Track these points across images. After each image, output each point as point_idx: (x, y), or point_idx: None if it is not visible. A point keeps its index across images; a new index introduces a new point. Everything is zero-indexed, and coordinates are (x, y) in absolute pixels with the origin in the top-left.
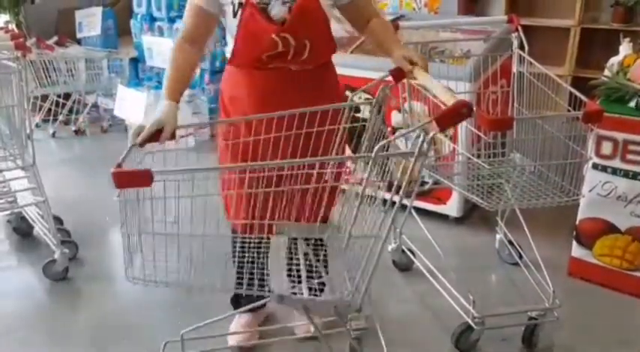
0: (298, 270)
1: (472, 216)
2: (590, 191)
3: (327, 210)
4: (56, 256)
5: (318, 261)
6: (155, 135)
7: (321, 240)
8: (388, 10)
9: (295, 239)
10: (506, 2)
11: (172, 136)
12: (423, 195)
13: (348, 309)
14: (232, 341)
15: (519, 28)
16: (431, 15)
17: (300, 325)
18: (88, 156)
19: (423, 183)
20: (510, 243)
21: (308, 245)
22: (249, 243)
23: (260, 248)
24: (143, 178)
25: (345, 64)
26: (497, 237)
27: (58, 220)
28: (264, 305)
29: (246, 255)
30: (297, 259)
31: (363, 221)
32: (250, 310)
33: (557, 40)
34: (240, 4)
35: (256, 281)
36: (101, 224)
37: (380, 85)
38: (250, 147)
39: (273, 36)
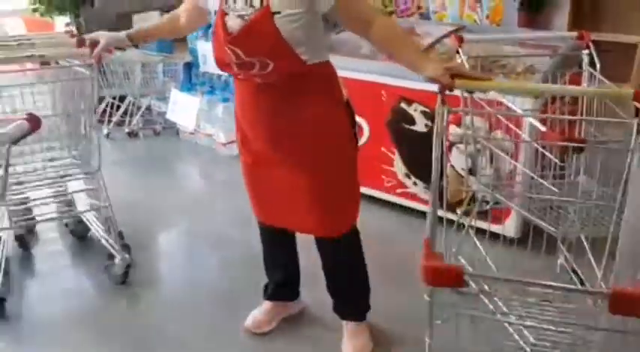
0: None
1: (530, 237)
2: None
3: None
4: (116, 261)
5: None
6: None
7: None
8: (447, 20)
9: None
10: (570, 15)
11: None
12: (481, 214)
13: None
14: (247, 322)
15: (591, 44)
16: (493, 27)
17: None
18: (140, 158)
19: (485, 203)
20: (573, 271)
21: None
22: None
23: (275, 239)
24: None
25: (399, 75)
26: (559, 261)
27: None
28: (289, 299)
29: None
30: None
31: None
32: (275, 299)
33: (623, 56)
34: (215, 11)
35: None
36: (152, 226)
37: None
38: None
39: (225, 47)
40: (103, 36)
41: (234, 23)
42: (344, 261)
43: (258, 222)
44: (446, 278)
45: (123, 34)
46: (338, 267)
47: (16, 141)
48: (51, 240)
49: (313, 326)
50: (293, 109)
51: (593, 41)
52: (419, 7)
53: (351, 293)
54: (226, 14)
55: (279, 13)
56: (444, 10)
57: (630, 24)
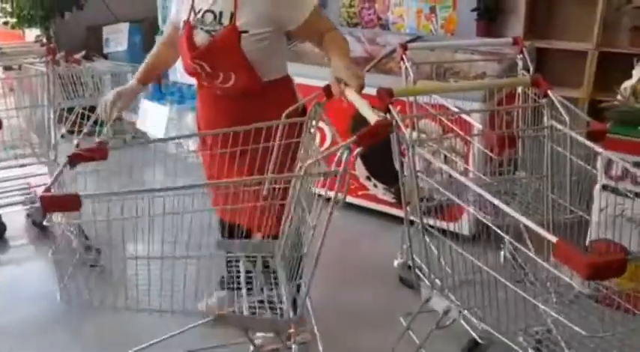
0: (239, 287)
1: (484, 234)
2: (601, 212)
3: (273, 226)
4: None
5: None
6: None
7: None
8: (405, 31)
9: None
10: (525, 25)
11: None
12: (434, 213)
13: (286, 326)
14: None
15: (524, 50)
16: (447, 36)
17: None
18: (109, 168)
19: (431, 199)
20: (514, 259)
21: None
22: None
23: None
24: (72, 203)
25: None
26: (502, 253)
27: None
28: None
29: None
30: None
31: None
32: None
33: (574, 63)
34: (184, 22)
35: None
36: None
37: (313, 101)
38: (207, 159)
39: (189, 61)
40: (119, 94)
41: (200, 38)
42: None
43: (219, 222)
44: (611, 269)
45: (134, 81)
46: None
47: None
48: None
49: None
50: (250, 120)
51: (546, 49)
52: (379, 19)
53: None
54: (194, 27)
55: (246, 32)
56: (402, 21)
57: (580, 32)
